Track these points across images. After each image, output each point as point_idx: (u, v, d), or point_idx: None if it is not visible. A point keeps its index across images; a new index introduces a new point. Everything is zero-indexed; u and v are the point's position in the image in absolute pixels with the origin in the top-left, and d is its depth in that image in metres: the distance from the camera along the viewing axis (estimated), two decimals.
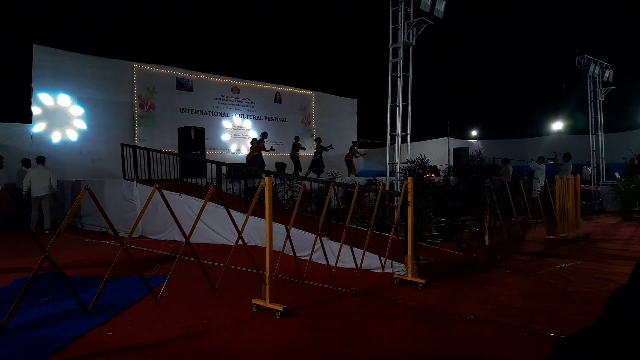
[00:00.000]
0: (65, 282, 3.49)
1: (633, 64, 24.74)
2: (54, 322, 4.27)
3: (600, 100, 17.78)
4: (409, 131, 10.41)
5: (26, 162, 11.25)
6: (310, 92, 21.97)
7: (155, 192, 3.98)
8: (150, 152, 10.08)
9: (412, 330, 4.17)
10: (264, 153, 15.39)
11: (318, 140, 16.95)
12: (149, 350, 3.70)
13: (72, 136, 14.44)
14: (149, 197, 3.94)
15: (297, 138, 16.51)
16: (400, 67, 10.24)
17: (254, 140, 15.57)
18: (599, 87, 17.74)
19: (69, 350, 3.66)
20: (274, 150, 16.40)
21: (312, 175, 15.44)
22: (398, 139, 10.31)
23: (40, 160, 11.00)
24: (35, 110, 13.74)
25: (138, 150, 10.31)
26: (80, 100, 14.61)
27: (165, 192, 4.62)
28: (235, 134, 18.90)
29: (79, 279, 5.90)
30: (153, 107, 16.49)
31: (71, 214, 3.68)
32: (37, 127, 13.70)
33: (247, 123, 19.32)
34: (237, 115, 19.08)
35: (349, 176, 16.63)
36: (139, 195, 10.00)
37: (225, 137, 18.55)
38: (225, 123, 18.65)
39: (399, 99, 10.24)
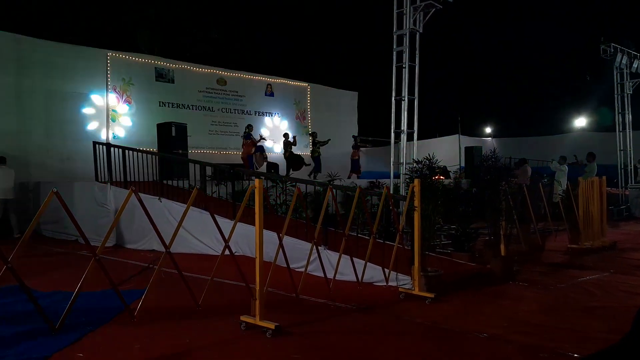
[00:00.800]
0: (30, 297, 3.48)
1: None
2: (17, 342, 4.24)
3: (628, 94, 17.84)
4: (415, 128, 10.42)
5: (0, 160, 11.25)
6: (305, 84, 22.00)
7: (131, 196, 3.98)
8: (126, 151, 10.06)
9: (420, 349, 4.17)
10: None
11: (313, 135, 16.98)
12: None
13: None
14: (124, 202, 3.94)
15: (286, 135, 16.54)
16: (405, 56, 10.25)
17: (245, 136, 15.60)
18: (627, 79, 17.80)
19: None
20: (265, 139, 16.43)
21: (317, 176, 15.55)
22: (403, 137, 10.32)
23: (2, 160, 11.04)
24: None
25: (112, 149, 10.29)
26: (48, 93, 14.56)
27: (142, 195, 4.62)
28: (222, 131, 18.88)
29: (47, 294, 5.87)
30: (129, 100, 16.47)
31: (37, 220, 3.67)
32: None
33: (235, 118, 19.31)
34: (224, 110, 19.07)
35: (348, 177, 16.67)
36: (113, 200, 9.97)
37: (210, 134, 18.53)
38: (211, 118, 18.63)
39: (405, 92, 10.25)
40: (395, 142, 10.59)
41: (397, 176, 10.56)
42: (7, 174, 10.97)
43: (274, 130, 20.09)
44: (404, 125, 10.30)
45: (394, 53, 10.47)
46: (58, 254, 9.20)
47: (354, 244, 6.28)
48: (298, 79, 21.92)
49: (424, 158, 6.82)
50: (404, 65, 10.30)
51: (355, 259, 5.86)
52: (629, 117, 17.86)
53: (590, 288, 6.33)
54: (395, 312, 5.35)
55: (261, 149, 16.02)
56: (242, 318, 4.69)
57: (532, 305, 5.55)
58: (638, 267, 7.71)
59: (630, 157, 17.88)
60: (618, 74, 17.75)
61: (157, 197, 9.37)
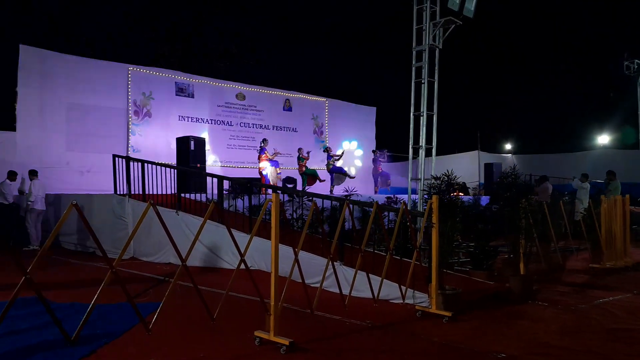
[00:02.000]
0: (47, 309, 3.52)
1: None
2: (34, 353, 4.29)
3: None
4: (434, 144, 10.40)
5: (32, 173, 11.49)
6: (323, 99, 22.10)
7: (149, 209, 4.02)
8: (145, 164, 10.17)
9: None
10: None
11: (327, 150, 17.05)
12: None
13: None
14: (142, 215, 3.97)
15: (300, 150, 16.61)
16: (424, 72, 10.28)
17: (260, 150, 15.71)
18: None
19: None
20: (280, 154, 16.47)
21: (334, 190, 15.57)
22: (422, 152, 10.30)
23: (34, 173, 11.39)
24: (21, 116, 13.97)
25: (131, 162, 10.41)
26: (70, 107, 14.83)
27: (160, 208, 4.66)
28: (240, 145, 19.01)
29: (63, 305, 5.93)
30: (149, 114, 16.69)
31: (56, 232, 3.72)
32: (22, 136, 13.90)
33: (253, 132, 19.44)
34: (242, 124, 19.22)
35: (375, 193, 16.68)
36: (131, 212, 10.07)
37: (228, 148, 18.67)
38: (229, 133, 18.79)
39: (424, 108, 10.26)
40: (413, 158, 10.58)
41: (415, 192, 10.51)
42: (41, 186, 11.27)
43: (290, 144, 20.17)
44: (422, 141, 10.29)
45: (413, 69, 10.51)
46: (76, 266, 9.30)
47: (370, 260, 6.25)
48: (316, 93, 22.04)
49: (443, 174, 6.79)
50: (422, 81, 10.32)
51: (371, 276, 5.83)
52: None
53: (612, 309, 6.20)
54: (412, 330, 5.29)
55: (276, 164, 16.09)
56: (257, 333, 4.68)
57: (552, 326, 5.45)
58: None
59: None
60: None
61: (175, 211, 9.44)
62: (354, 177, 16.71)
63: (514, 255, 7.54)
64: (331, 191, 15.82)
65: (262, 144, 15.75)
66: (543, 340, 4.92)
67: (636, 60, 16.98)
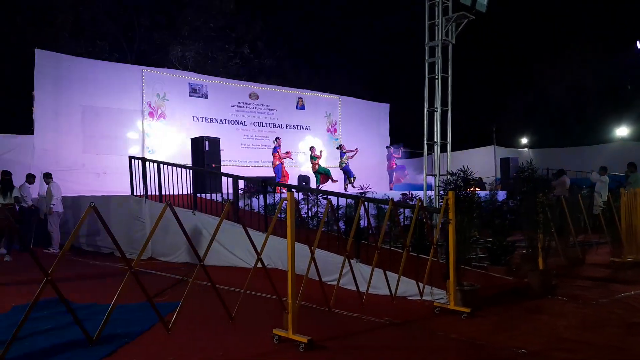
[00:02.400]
0: (69, 309, 3.57)
1: None
2: (56, 353, 4.36)
3: None
4: (449, 139, 10.35)
5: (48, 176, 11.66)
6: (336, 97, 22.09)
7: (166, 210, 4.05)
8: (161, 165, 10.25)
9: None
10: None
11: (340, 147, 17.04)
12: None
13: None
14: (159, 215, 4.01)
15: (312, 149, 16.60)
16: (438, 67, 10.23)
17: (273, 148, 15.81)
18: None
19: None
20: (291, 158, 16.50)
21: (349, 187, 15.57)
22: (437, 148, 10.26)
23: (49, 175, 11.54)
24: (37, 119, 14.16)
25: (147, 163, 10.51)
26: (85, 109, 15.00)
27: (177, 209, 4.70)
28: (254, 145, 19.09)
29: (84, 306, 6.01)
30: (164, 115, 16.82)
31: (76, 234, 3.77)
32: (39, 139, 14.09)
33: (267, 132, 19.50)
34: (256, 124, 19.29)
35: (390, 189, 16.65)
36: (148, 213, 10.16)
37: (242, 147, 18.75)
38: (243, 132, 18.87)
39: (438, 103, 10.21)
40: (428, 154, 10.54)
41: (430, 188, 10.47)
42: (57, 188, 11.40)
43: (305, 143, 20.20)
44: (437, 137, 10.24)
45: (426, 64, 10.46)
46: (95, 267, 9.41)
47: (387, 257, 6.25)
48: (329, 91, 22.04)
49: (458, 170, 6.75)
50: (436, 77, 10.27)
51: (388, 273, 5.82)
52: None
53: (634, 303, 6.13)
54: (430, 327, 5.28)
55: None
56: (275, 331, 4.70)
57: (573, 320, 5.40)
58: None
59: None
60: None
61: (191, 211, 9.51)
62: (336, 181, 16.58)
63: (532, 250, 7.48)
64: (345, 188, 15.83)
65: (275, 142, 15.83)
66: (563, 335, 4.88)
67: None
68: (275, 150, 15.61)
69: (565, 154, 25.49)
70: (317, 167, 16.12)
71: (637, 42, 17.13)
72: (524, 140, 30.91)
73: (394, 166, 18.12)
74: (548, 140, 29.42)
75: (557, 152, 26.32)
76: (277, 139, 16.09)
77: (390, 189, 16.98)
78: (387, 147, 19.21)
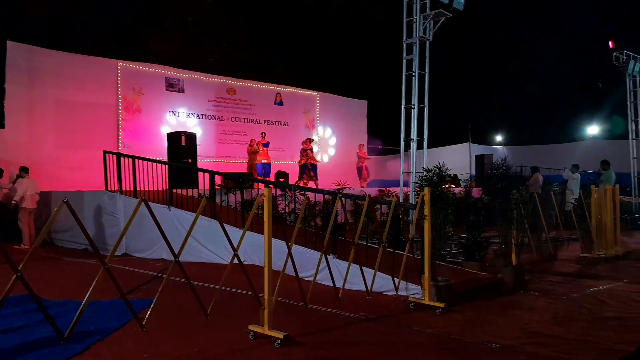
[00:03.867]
0: (40, 306, 3.49)
1: None
2: (28, 351, 4.26)
3: None
4: (425, 136, 10.42)
5: (23, 170, 11.35)
6: (315, 93, 22.06)
7: (141, 205, 4.00)
8: (136, 160, 10.12)
9: None
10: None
11: (310, 141, 16.88)
12: None
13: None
14: (134, 211, 3.95)
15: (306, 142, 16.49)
16: (415, 64, 10.28)
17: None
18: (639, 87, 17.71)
19: None
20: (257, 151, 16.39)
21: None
22: (413, 145, 10.32)
23: (25, 170, 11.21)
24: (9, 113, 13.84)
25: (122, 158, 10.36)
26: (59, 103, 14.70)
27: (152, 204, 4.62)
28: (232, 140, 18.96)
29: (56, 303, 5.90)
30: (139, 109, 16.59)
31: (47, 230, 3.69)
32: (11, 133, 13.77)
33: (244, 127, 19.39)
34: (233, 119, 19.16)
35: (361, 186, 16.69)
36: (122, 209, 10.03)
37: (220, 143, 18.62)
38: (220, 127, 18.73)
39: (414, 101, 10.27)
40: (405, 151, 10.59)
41: (407, 185, 10.53)
42: (32, 184, 11.14)
43: (282, 139, 20.16)
44: (413, 134, 10.30)
45: (404, 61, 10.50)
46: (68, 263, 9.25)
47: (363, 253, 6.27)
48: (307, 87, 21.99)
49: (434, 166, 6.81)
50: (413, 74, 10.32)
51: (364, 268, 5.83)
52: None
53: (603, 298, 6.27)
54: (405, 322, 5.32)
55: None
56: (251, 327, 4.68)
57: (545, 315, 5.50)
58: None
59: None
60: (631, 81, 17.67)
61: (167, 206, 9.42)
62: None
63: (506, 246, 7.59)
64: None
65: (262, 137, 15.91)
66: (536, 329, 4.96)
67: (625, 51, 17.06)
68: (266, 146, 15.70)
69: (538, 152, 25.91)
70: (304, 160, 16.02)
71: (609, 41, 17.44)
72: (499, 138, 31.32)
73: (359, 165, 18.18)
74: (522, 137, 29.85)
75: (531, 149, 26.74)
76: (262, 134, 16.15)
77: (361, 186, 17.01)
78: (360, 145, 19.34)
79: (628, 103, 17.74)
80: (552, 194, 10.42)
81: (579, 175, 15.18)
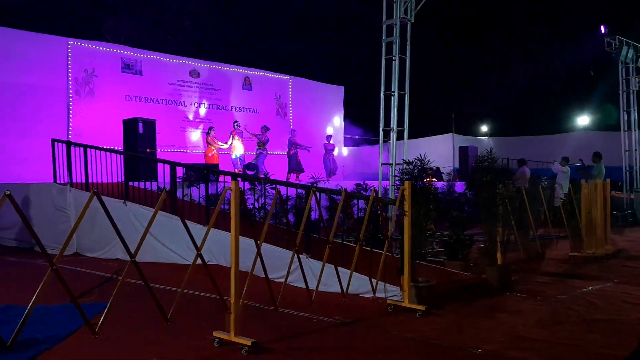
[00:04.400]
0: None
1: None
2: None
3: (633, 90, 18.13)
4: (406, 126, 10.47)
5: None
6: (287, 77, 21.97)
7: (93, 199, 3.93)
8: (88, 150, 9.96)
9: None
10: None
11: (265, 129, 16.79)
12: None
13: None
14: (85, 206, 3.89)
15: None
16: (396, 47, 10.30)
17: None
18: (633, 75, 18.09)
19: None
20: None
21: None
22: (393, 135, 10.36)
23: None
24: None
25: (73, 147, 10.19)
26: (2, 86, 14.34)
27: (106, 199, 4.56)
28: (195, 127, 18.78)
29: None
30: (92, 93, 16.30)
31: None
32: None
33: (210, 114, 19.22)
34: (197, 105, 18.97)
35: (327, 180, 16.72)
36: (73, 203, 9.86)
37: (182, 131, 18.43)
38: (183, 114, 18.54)
39: (395, 87, 10.30)
40: (384, 141, 10.64)
41: (386, 178, 10.58)
42: None
43: (252, 126, 20.09)
44: (393, 123, 10.34)
45: (383, 44, 10.51)
46: (11, 264, 9.06)
47: (338, 252, 6.30)
48: (279, 71, 21.88)
49: (415, 158, 6.85)
50: (393, 58, 10.34)
51: (340, 269, 5.86)
52: (634, 116, 18.14)
53: (592, 299, 6.41)
54: (383, 326, 5.36)
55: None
56: (216, 334, 4.66)
57: (531, 318, 5.60)
58: None
59: (636, 159, 18.15)
60: (623, 68, 18.03)
61: (122, 201, 9.28)
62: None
63: (491, 244, 7.70)
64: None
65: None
66: (521, 333, 5.05)
67: (617, 37, 17.40)
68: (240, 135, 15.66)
69: (526, 143, 26.36)
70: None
71: (601, 26, 17.76)
72: (484, 128, 31.72)
73: (293, 152, 18.25)
74: (509, 128, 30.30)
75: (518, 141, 27.19)
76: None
77: (327, 180, 17.07)
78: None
79: (620, 92, 18.13)
80: (541, 189, 10.61)
81: (569, 168, 15.46)
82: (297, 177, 17.40)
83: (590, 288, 7.05)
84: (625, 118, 18.19)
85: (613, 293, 6.77)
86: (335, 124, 23.23)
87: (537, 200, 10.41)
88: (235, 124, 16.75)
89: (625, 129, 18.14)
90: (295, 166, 17.52)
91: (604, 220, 10.04)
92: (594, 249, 9.62)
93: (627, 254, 9.98)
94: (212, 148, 15.91)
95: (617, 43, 17.41)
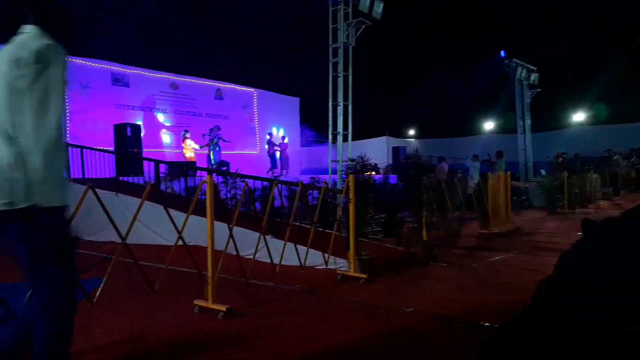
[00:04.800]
0: None
1: (557, 67, 26.33)
2: None
3: (527, 102, 18.80)
4: (350, 130, 10.55)
5: None
6: (252, 90, 21.74)
7: (88, 192, 3.80)
8: (84, 150, 9.61)
9: (355, 325, 4.22)
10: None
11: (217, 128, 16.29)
12: (83, 356, 3.53)
13: None
14: (81, 197, 3.76)
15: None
16: (340, 66, 10.35)
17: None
18: (526, 90, 18.76)
19: None
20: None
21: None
22: (340, 138, 10.42)
23: None
24: None
25: (71, 148, 9.81)
26: None
27: (100, 191, 4.41)
28: (175, 131, 18.36)
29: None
30: (87, 102, 15.72)
31: None
32: None
33: (187, 120, 18.82)
34: (177, 112, 18.55)
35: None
36: (71, 196, 9.51)
37: (163, 134, 18.01)
38: (164, 120, 18.10)
39: (340, 98, 10.35)
40: (332, 143, 10.68)
41: (334, 172, 10.63)
42: None
43: (223, 131, 19.77)
44: (340, 128, 10.39)
45: (330, 64, 10.54)
46: None
47: (297, 233, 6.28)
48: (245, 84, 21.62)
49: (358, 156, 6.91)
50: (338, 75, 10.39)
51: (298, 246, 5.86)
52: (528, 122, 18.82)
53: (498, 267, 6.61)
54: (334, 292, 5.39)
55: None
56: (196, 302, 4.58)
57: (450, 283, 5.74)
58: (536, 248, 8.13)
59: (529, 156, 18.85)
60: (519, 85, 18.67)
61: (114, 193, 9.00)
62: None
63: (418, 224, 7.84)
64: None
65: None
66: (443, 295, 5.17)
67: (514, 59, 17.99)
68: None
69: (444, 144, 26.98)
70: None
71: (501, 51, 18.34)
72: (412, 132, 32.27)
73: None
74: (431, 132, 30.91)
75: (438, 142, 27.80)
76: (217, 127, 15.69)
77: (283, 172, 17.01)
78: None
79: (516, 103, 18.76)
80: (456, 180, 10.87)
81: (478, 163, 15.91)
82: (282, 172, 17.14)
83: (496, 258, 7.27)
84: (521, 124, 18.84)
85: (513, 261, 7.00)
86: (293, 128, 23.13)
87: (454, 189, 10.65)
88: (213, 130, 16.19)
89: (521, 132, 18.79)
90: (275, 164, 17.33)
91: (506, 204, 10.36)
92: (498, 227, 9.91)
93: (523, 231, 10.33)
94: (188, 148, 15.55)
95: (514, 65, 18.00)
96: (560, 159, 18.31)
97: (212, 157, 15.43)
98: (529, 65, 18.59)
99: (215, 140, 15.69)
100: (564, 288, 1.15)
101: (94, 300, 3.89)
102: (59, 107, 2.12)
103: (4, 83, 2.11)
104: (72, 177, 9.65)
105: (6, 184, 2.10)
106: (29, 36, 2.23)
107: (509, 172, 10.74)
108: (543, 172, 18.28)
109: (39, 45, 2.16)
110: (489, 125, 30.44)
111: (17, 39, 2.24)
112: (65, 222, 2.43)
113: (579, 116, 28.15)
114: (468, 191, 12.30)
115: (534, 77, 18.76)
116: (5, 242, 2.36)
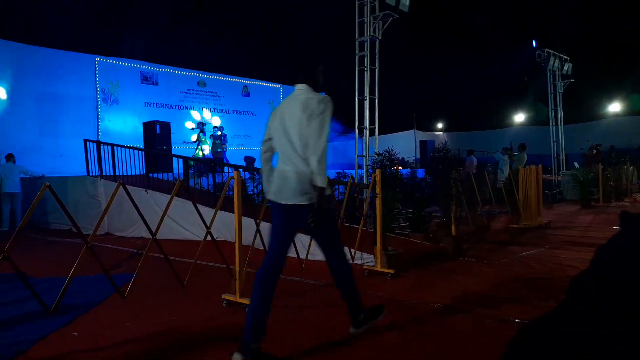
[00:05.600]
0: (26, 283, 3.37)
1: (591, 57, 25.55)
2: (15, 325, 4.11)
3: (559, 93, 18.31)
4: (376, 124, 10.46)
5: (7, 157, 10.94)
6: (278, 85, 21.85)
7: (119, 188, 3.89)
8: (114, 148, 9.84)
9: (381, 319, 4.19)
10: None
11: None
12: (116, 349, 3.62)
13: None
14: (113, 194, 3.84)
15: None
16: (367, 60, 10.27)
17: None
18: (559, 80, 18.27)
19: (31, 353, 3.53)
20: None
21: None
22: (366, 132, 10.36)
23: (10, 157, 10.83)
24: None
25: (102, 146, 10.06)
26: (42, 95, 14.10)
27: (130, 188, 4.51)
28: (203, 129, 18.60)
29: (41, 280, 5.71)
30: (117, 101, 16.08)
31: (31, 212, 3.55)
32: None
33: (215, 117, 19.05)
34: (205, 109, 18.78)
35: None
36: (103, 192, 9.76)
37: (192, 131, 18.26)
38: (192, 117, 18.35)
39: (367, 92, 10.28)
40: (359, 137, 10.63)
41: (361, 167, 10.59)
42: (12, 169, 10.74)
43: (250, 127, 19.92)
44: (366, 122, 10.33)
45: (357, 57, 10.47)
46: (52, 243, 8.96)
47: None
48: (271, 80, 21.74)
49: (384, 151, 6.86)
50: (365, 69, 10.31)
51: None
52: (560, 113, 18.34)
53: (528, 262, 6.48)
54: (360, 287, 5.34)
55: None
56: (224, 296, 4.65)
57: (480, 278, 5.65)
58: (568, 242, 7.94)
59: (562, 148, 18.37)
60: (551, 75, 18.19)
61: (144, 189, 9.20)
62: None
63: (446, 219, 7.75)
64: None
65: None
66: (472, 290, 5.10)
67: (546, 49, 17.53)
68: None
69: (474, 137, 26.53)
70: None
71: (533, 41, 17.89)
72: (440, 125, 31.85)
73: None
74: (460, 125, 30.45)
75: (467, 135, 27.36)
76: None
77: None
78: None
79: (549, 94, 18.29)
80: (486, 173, 10.69)
81: (507, 156, 15.60)
82: None
83: (527, 253, 7.13)
84: (553, 115, 18.37)
85: (544, 256, 6.85)
86: None
87: (483, 182, 10.48)
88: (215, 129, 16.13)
89: (553, 124, 18.33)
90: None
91: (537, 198, 10.14)
92: (529, 221, 9.72)
93: (555, 225, 10.10)
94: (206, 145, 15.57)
95: (546, 54, 17.54)
96: (595, 151, 17.79)
97: (200, 154, 15.28)
98: (562, 55, 18.10)
99: (203, 137, 15.68)
100: (601, 283, 1.11)
101: (125, 294, 3.98)
102: (326, 135, 3.26)
103: (297, 124, 3.26)
104: (103, 174, 9.91)
105: (308, 187, 3.29)
106: (303, 91, 3.48)
107: (540, 165, 10.48)
108: (576, 164, 17.80)
109: (319, 98, 3.34)
110: (519, 117, 29.80)
111: (295, 94, 3.51)
112: (329, 196, 3.47)
113: (614, 106, 27.25)
114: (497, 185, 12.10)
115: (567, 66, 18.26)
116: (296, 227, 3.50)
